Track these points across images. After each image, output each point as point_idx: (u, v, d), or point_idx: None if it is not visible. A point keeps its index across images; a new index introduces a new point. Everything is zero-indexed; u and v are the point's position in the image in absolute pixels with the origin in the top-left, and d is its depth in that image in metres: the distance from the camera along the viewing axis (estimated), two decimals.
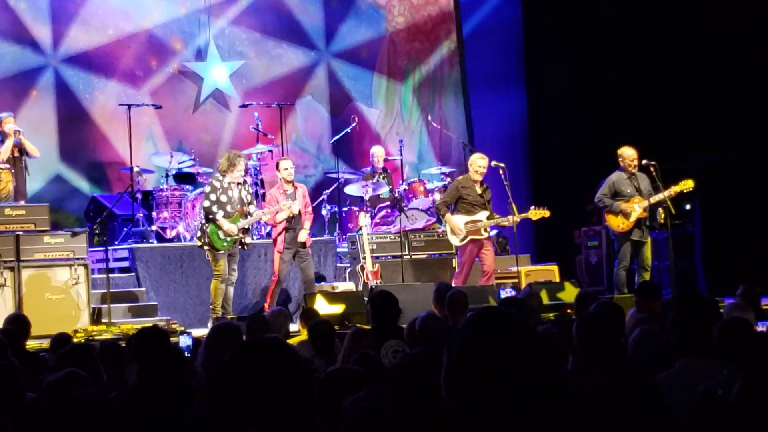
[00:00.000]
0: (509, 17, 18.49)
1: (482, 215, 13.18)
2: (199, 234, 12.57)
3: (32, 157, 13.07)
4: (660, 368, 5.21)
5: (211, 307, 12.42)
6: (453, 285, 12.91)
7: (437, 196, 14.93)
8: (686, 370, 5.03)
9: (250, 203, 12.64)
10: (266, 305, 12.82)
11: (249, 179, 14.25)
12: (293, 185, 13.05)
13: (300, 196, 13.01)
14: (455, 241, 13.32)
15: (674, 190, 12.99)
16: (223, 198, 12.38)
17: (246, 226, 12.53)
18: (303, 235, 12.97)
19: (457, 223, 13.19)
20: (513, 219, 13.17)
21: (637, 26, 16.98)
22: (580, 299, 9.26)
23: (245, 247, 12.71)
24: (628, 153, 13.26)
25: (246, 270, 13.73)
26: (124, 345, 7.06)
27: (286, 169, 12.99)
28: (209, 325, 11.86)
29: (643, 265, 13.18)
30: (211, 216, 12.29)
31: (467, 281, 13.13)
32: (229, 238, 12.32)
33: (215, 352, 5.86)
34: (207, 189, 12.55)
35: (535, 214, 13.30)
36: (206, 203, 12.39)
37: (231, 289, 12.52)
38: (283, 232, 12.85)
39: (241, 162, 12.58)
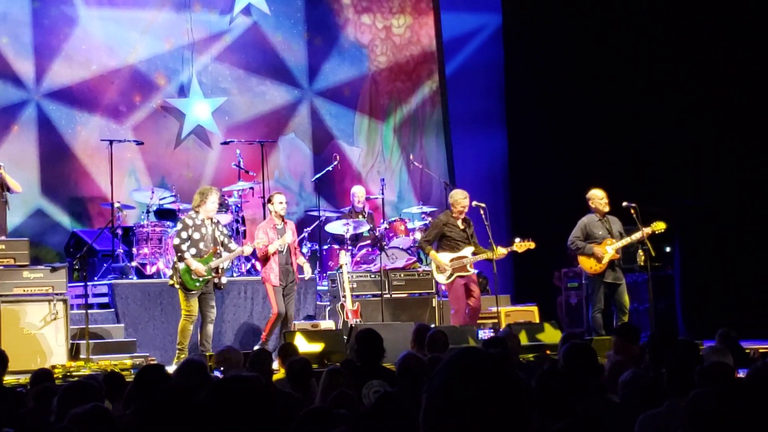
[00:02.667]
0: (491, 59, 18.61)
1: (467, 251, 13.14)
2: (171, 272, 12.39)
3: (14, 192, 13.01)
4: (646, 407, 5.32)
5: (177, 347, 12.09)
6: (454, 324, 12.92)
7: (418, 235, 14.91)
8: (673, 411, 5.10)
9: (223, 243, 12.36)
10: (264, 335, 12.76)
11: (230, 217, 14.24)
12: (283, 220, 12.97)
13: (290, 231, 12.94)
14: (442, 279, 13.24)
15: (646, 232, 12.99)
16: (196, 235, 12.15)
17: (220, 266, 12.28)
18: (308, 271, 12.98)
19: (442, 260, 13.15)
20: (499, 252, 13.11)
21: (618, 69, 17.09)
22: (564, 341, 9.26)
23: (220, 287, 12.47)
24: (597, 194, 13.25)
25: (225, 308, 13.66)
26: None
27: (281, 203, 12.81)
28: (174, 364, 11.41)
29: (621, 307, 13.10)
30: (179, 254, 12.11)
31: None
32: (201, 278, 12.15)
33: (182, 388, 5.82)
34: (178, 226, 12.31)
35: (521, 246, 13.13)
36: (176, 241, 12.16)
37: (210, 327, 12.27)
38: (277, 267, 12.71)
39: (213, 194, 12.29)
